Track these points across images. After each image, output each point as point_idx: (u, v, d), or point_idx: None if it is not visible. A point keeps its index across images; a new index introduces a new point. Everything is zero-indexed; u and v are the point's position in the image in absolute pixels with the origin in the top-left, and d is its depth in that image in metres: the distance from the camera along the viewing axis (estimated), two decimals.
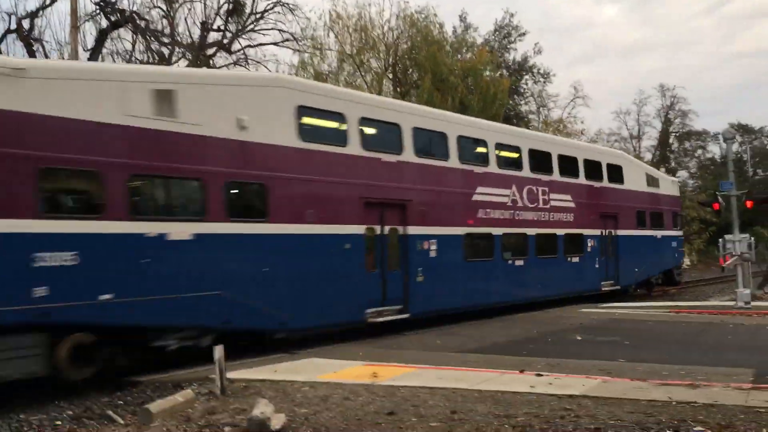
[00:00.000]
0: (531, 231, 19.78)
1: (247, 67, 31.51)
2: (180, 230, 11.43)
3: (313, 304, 13.48)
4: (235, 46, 32.44)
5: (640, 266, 24.62)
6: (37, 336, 9.69)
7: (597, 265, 22.69)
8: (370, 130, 15.37)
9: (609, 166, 23.87)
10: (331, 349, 12.96)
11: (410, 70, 40.17)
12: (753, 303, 20.13)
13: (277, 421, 6.94)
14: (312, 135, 13.96)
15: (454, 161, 17.42)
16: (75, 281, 10.04)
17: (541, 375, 9.63)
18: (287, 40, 33.19)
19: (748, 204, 21.72)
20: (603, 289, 22.91)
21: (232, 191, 12.42)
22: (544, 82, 50.60)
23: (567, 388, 8.61)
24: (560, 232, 21.00)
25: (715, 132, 70.34)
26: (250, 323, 12.56)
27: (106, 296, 10.33)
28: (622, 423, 6.80)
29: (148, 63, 29.01)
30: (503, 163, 19.23)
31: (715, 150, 74.17)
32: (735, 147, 29.89)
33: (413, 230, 15.96)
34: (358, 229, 14.64)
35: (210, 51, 32.14)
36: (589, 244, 22.28)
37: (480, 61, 38.73)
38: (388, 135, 15.92)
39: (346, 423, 7.14)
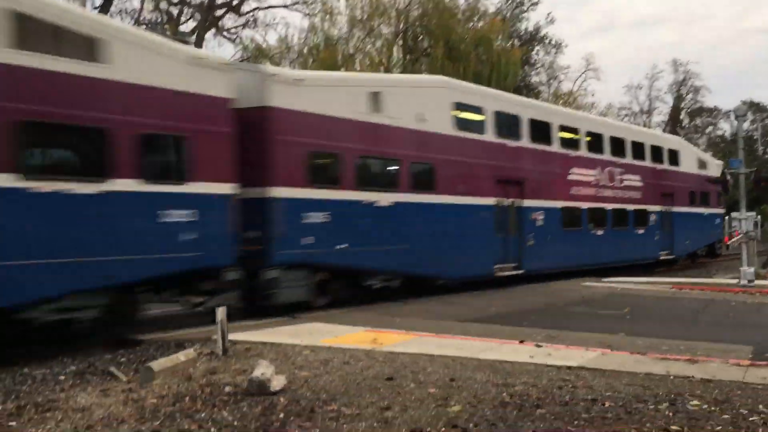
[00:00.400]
0: (609, 206, 23.58)
1: (255, 29, 31.25)
2: (385, 198, 15.31)
3: (461, 258, 17.20)
4: (245, 8, 32.16)
5: (691, 239, 28.11)
6: (304, 272, 13.49)
7: (657, 237, 26.35)
8: (500, 121, 18.91)
9: (669, 151, 27.77)
10: (333, 315, 13.07)
11: (421, 37, 39.73)
12: (756, 281, 20.12)
13: (277, 382, 7.01)
14: (462, 125, 17.66)
15: (556, 146, 21.19)
16: (326, 234, 13.83)
17: (541, 346, 9.69)
18: (297, 2, 32.88)
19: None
20: (661, 257, 26.69)
21: (414, 170, 16.23)
22: (556, 53, 50.24)
23: (566, 360, 8.67)
24: (630, 207, 24.76)
25: (726, 109, 69.78)
26: (423, 271, 16.50)
27: (342, 246, 14.14)
28: (618, 395, 6.84)
29: (156, 23, 28.81)
30: (590, 147, 22.86)
31: (725, 127, 73.70)
32: (746, 125, 32.63)
33: (527, 203, 19.70)
34: (491, 201, 18.49)
35: (219, 12, 31.86)
36: (652, 219, 26.03)
37: (492, 30, 38.24)
38: (511, 125, 19.42)
39: (345, 386, 7.21)
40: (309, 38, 37.62)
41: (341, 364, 8.41)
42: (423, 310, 14.21)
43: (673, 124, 69.93)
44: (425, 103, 16.52)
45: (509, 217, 19.09)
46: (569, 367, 8.23)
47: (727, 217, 21.62)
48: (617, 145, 24.18)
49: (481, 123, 18.31)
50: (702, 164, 30.40)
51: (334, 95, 14.47)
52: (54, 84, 9.75)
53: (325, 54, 34.59)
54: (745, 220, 20.48)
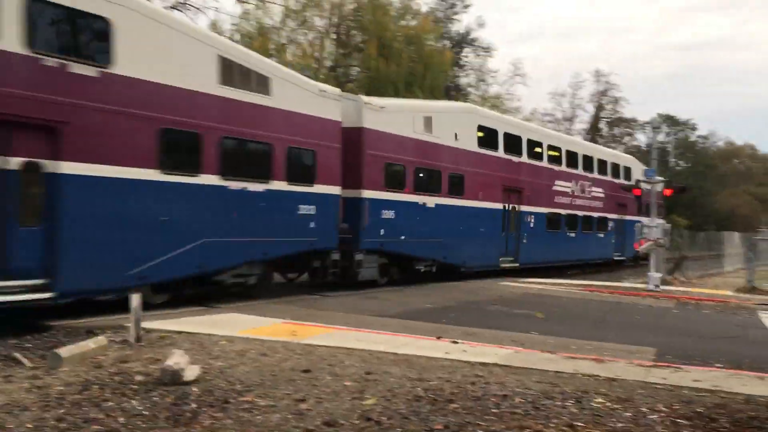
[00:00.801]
0: (580, 213, 27.97)
1: (185, 12, 30.50)
2: (430, 200, 19.35)
3: (478, 251, 21.28)
4: None
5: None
6: (376, 257, 17.61)
7: (613, 240, 30.82)
8: (507, 141, 23.05)
9: (624, 167, 32.47)
10: (253, 306, 12.96)
11: (354, 32, 39.67)
12: (663, 287, 21.12)
13: (191, 372, 6.89)
14: (483, 143, 21.75)
15: (545, 162, 25.47)
16: (393, 227, 17.83)
17: (457, 342, 9.88)
18: None
19: (667, 192, 22.64)
20: (615, 258, 30.93)
21: (450, 179, 20.22)
22: (485, 57, 50.97)
23: (480, 356, 8.87)
24: (594, 215, 29.15)
25: (643, 121, 72.75)
26: (452, 260, 20.38)
27: (402, 237, 18.20)
28: (528, 391, 7.06)
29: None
30: (568, 164, 27.05)
31: (641, 138, 76.73)
32: (660, 137, 35.95)
33: (524, 208, 23.86)
34: (500, 206, 22.58)
35: None
36: (610, 225, 30.47)
37: (425, 30, 38.51)
38: (515, 144, 23.50)
39: (261, 378, 7.16)
40: (241, 26, 37.01)
41: (258, 355, 8.34)
42: (344, 304, 14.25)
43: (593, 132, 72.31)
44: (458, 125, 20.70)
45: (511, 220, 23.28)
46: (483, 364, 8.43)
47: (638, 224, 22.79)
48: (587, 162, 28.77)
49: (495, 142, 22.53)
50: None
51: (403, 118, 18.55)
52: (242, 110, 13.52)
53: (257, 42, 34.06)
54: (654, 227, 21.43)
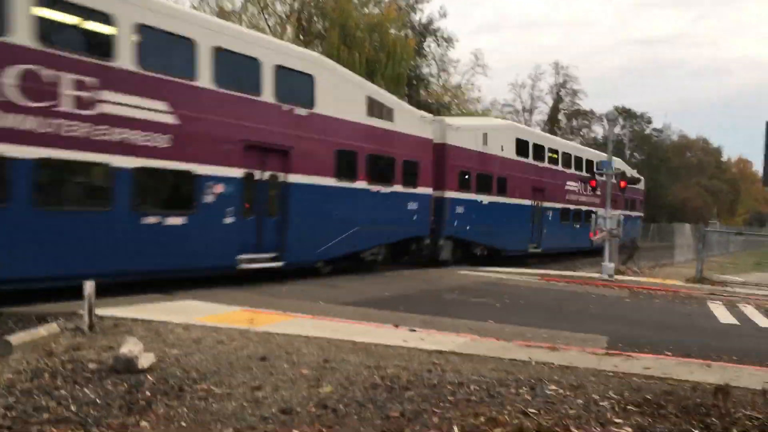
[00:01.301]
0: (583, 208, 33.28)
1: None
2: (486, 198, 24.77)
3: (514, 239, 26.73)
4: None
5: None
6: (451, 243, 23.11)
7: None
8: (535, 150, 28.54)
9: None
10: (211, 293, 12.84)
11: (316, 19, 39.37)
12: (616, 276, 21.58)
13: (146, 360, 6.80)
14: (519, 152, 27.30)
15: (559, 166, 31.00)
16: (461, 219, 23.19)
17: (414, 330, 9.95)
18: None
19: (622, 184, 23.09)
20: (593, 246, 32.97)
21: (498, 181, 25.77)
22: (447, 47, 51.01)
23: (437, 344, 8.95)
24: (583, 208, 33.34)
25: (600, 113, 73.94)
26: (498, 246, 25.83)
27: (468, 227, 23.67)
28: (483, 379, 7.15)
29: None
30: (575, 167, 32.35)
31: (598, 130, 78.08)
32: (617, 129, 39.59)
33: (545, 204, 29.34)
34: (529, 202, 28.04)
35: None
36: (585, 217, 33.03)
37: (387, 18, 38.42)
38: (540, 152, 29.22)
39: (218, 366, 7.11)
40: (200, 9, 36.38)
41: (215, 343, 8.27)
42: (303, 292, 14.23)
43: (551, 124, 73.29)
44: (503, 139, 26.38)
45: (536, 214, 28.15)
46: (440, 352, 8.51)
47: (593, 215, 23.43)
48: (579, 162, 33.15)
49: (527, 151, 27.88)
50: (635, 180, 40.58)
51: (469, 136, 24.17)
52: (379, 134, 18.98)
53: None
54: (609, 218, 21.85)
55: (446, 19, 76.47)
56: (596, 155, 35.96)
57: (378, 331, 9.83)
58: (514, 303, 14.82)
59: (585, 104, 77.49)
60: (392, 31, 39.07)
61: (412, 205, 20.48)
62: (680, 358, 9.14)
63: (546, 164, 29.79)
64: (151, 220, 12.97)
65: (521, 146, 27.54)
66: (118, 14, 12.28)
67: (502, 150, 25.96)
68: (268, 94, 15.34)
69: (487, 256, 25.13)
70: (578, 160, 33.31)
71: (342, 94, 17.60)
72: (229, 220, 14.49)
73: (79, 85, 11.66)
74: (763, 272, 29.32)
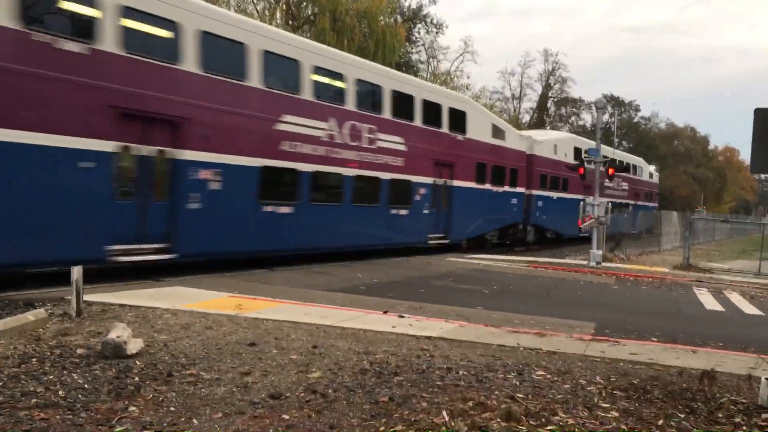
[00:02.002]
0: (616, 201, 38.77)
1: None
2: (555, 195, 32.00)
3: (570, 225, 28.95)
4: None
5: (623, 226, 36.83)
6: (533, 229, 30.95)
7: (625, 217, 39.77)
8: (580, 153, 31.87)
9: (633, 166, 46.23)
10: (199, 279, 12.81)
11: (305, 4, 39.09)
12: (603, 264, 21.70)
13: (134, 345, 6.80)
14: (576, 157, 31.36)
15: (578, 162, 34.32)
16: (541, 211, 31.03)
17: (403, 317, 9.99)
18: None
19: (610, 171, 23.18)
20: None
21: (563, 180, 32.77)
22: (437, 33, 50.93)
23: (426, 330, 8.99)
24: (578, 197, 36.33)
25: (589, 101, 74.09)
26: (561, 231, 32.63)
27: (544, 216, 31.14)
28: (472, 364, 7.20)
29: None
30: (579, 160, 35.97)
31: (587, 118, 78.32)
32: (605, 117, 43.75)
33: (589, 198, 28.30)
34: (580, 197, 28.63)
35: None
36: (620, 207, 39.44)
37: (378, 5, 38.17)
38: (579, 153, 32.36)
39: (206, 351, 7.11)
40: None
41: (203, 328, 8.27)
42: (290, 278, 14.22)
43: (540, 112, 73.37)
44: (566, 148, 33.64)
45: (584, 206, 29.36)
46: (428, 338, 8.54)
47: (581, 202, 23.63)
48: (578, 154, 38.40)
49: (580, 156, 29.76)
50: (652, 175, 51.36)
51: (546, 147, 31.33)
52: (497, 150, 26.19)
53: None
54: (597, 206, 21.94)
55: (436, 5, 76.20)
56: (635, 160, 46.67)
57: (367, 317, 9.85)
58: (502, 290, 14.88)
59: (574, 92, 77.89)
60: (381, 18, 38.84)
61: (514, 201, 28.12)
62: (666, 344, 9.22)
63: (586, 165, 34.11)
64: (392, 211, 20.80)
65: (577, 153, 33.44)
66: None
67: (565, 156, 32.76)
68: (445, 127, 22.97)
69: (554, 239, 32.98)
70: (622, 163, 40.84)
71: (479, 123, 25.14)
72: (427, 212, 22.34)
73: (362, 129, 19.07)
74: (748, 260, 29.55)
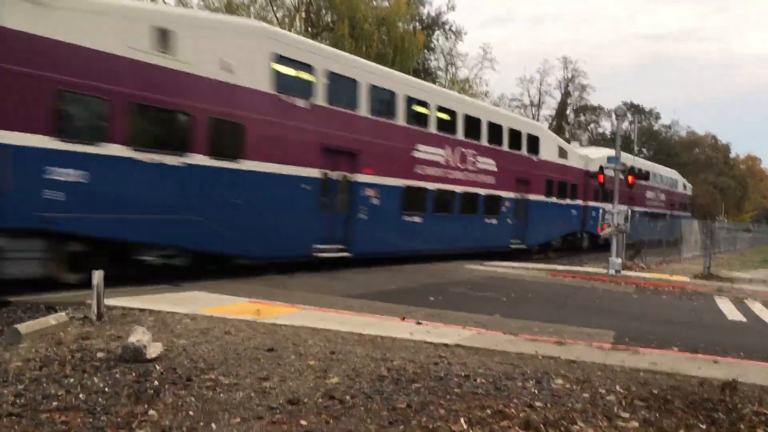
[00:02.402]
0: (651, 210, 43.82)
1: None
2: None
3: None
4: None
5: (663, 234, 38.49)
6: (588, 235, 34.59)
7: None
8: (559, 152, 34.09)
9: (669, 177, 50.80)
10: (217, 285, 12.88)
11: (324, 11, 39.28)
12: (623, 272, 21.52)
13: (154, 350, 6.85)
14: (591, 165, 33.76)
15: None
16: (593, 221, 32.68)
17: (421, 323, 9.97)
18: None
19: (630, 179, 23.01)
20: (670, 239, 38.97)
21: (609, 193, 27.94)
22: (455, 40, 50.92)
23: (443, 337, 8.96)
24: (655, 210, 45.26)
25: (608, 108, 73.70)
26: (596, 233, 31.26)
27: (594, 225, 31.22)
28: (490, 372, 7.17)
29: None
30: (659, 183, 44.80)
31: (606, 126, 77.92)
32: (625, 125, 44.46)
33: (635, 208, 35.39)
34: (624, 207, 29.89)
35: None
36: (660, 216, 43.42)
37: (396, 12, 38.21)
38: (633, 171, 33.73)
39: (225, 356, 7.14)
40: (210, 1, 36.40)
41: (222, 333, 8.31)
42: (309, 284, 14.25)
43: (559, 119, 73.07)
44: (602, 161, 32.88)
45: (592, 213, 34.50)
46: (446, 345, 8.52)
47: (601, 210, 23.93)
48: (659, 177, 44.93)
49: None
50: (684, 187, 54.93)
51: (599, 163, 28.25)
52: (562, 168, 30.65)
53: None
54: (616, 213, 21.78)
55: (454, 12, 76.19)
56: (670, 172, 52.00)
57: (384, 324, 9.85)
58: (520, 297, 14.80)
59: (593, 99, 77.47)
60: (400, 24, 38.92)
61: (573, 212, 32.03)
62: (687, 354, 9.11)
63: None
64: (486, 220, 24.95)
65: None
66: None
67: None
68: (524, 150, 26.81)
69: (601, 246, 32.01)
70: (661, 176, 47.93)
71: (548, 146, 28.95)
72: (510, 221, 26.09)
73: (467, 154, 23.28)
74: None
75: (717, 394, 6.52)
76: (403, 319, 10.34)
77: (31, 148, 10.87)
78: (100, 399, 5.56)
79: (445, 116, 22.11)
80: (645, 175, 42.84)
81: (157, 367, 6.56)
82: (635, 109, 79.78)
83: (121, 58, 12.15)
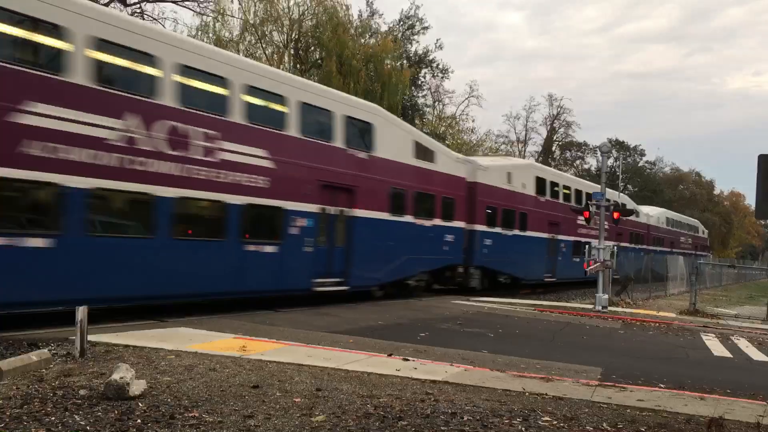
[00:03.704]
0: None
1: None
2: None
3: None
4: None
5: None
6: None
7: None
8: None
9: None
10: (203, 320, 12.78)
11: (312, 48, 39.68)
12: (609, 308, 21.55)
13: (137, 387, 6.76)
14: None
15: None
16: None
17: (408, 360, 9.91)
18: None
19: (615, 215, 23.18)
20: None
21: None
22: (442, 78, 51.44)
23: (430, 374, 8.91)
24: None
25: (594, 145, 74.55)
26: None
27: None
28: (477, 409, 7.12)
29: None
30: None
31: (592, 162, 78.64)
32: (610, 161, 41.07)
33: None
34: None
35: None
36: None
37: (384, 50, 38.59)
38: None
39: (209, 393, 7.06)
40: (198, 38, 36.69)
41: (207, 370, 8.22)
42: (295, 320, 14.16)
43: (545, 155, 73.71)
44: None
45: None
46: (433, 381, 8.47)
47: (587, 246, 23.37)
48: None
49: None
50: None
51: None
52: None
53: None
54: (602, 249, 21.89)
55: (442, 51, 77.35)
56: (695, 222, 59.47)
57: (371, 360, 9.78)
58: (507, 333, 14.76)
59: (579, 136, 78.35)
60: (388, 61, 39.34)
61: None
62: (674, 390, 9.11)
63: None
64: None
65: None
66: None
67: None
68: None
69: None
70: (688, 224, 55.56)
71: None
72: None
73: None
74: (756, 305, 29.33)
75: (704, 431, 6.50)
76: (390, 355, 10.28)
77: (479, 231, 24.60)
78: None
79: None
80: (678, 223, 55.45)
81: (140, 404, 6.47)
82: (620, 145, 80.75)
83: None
